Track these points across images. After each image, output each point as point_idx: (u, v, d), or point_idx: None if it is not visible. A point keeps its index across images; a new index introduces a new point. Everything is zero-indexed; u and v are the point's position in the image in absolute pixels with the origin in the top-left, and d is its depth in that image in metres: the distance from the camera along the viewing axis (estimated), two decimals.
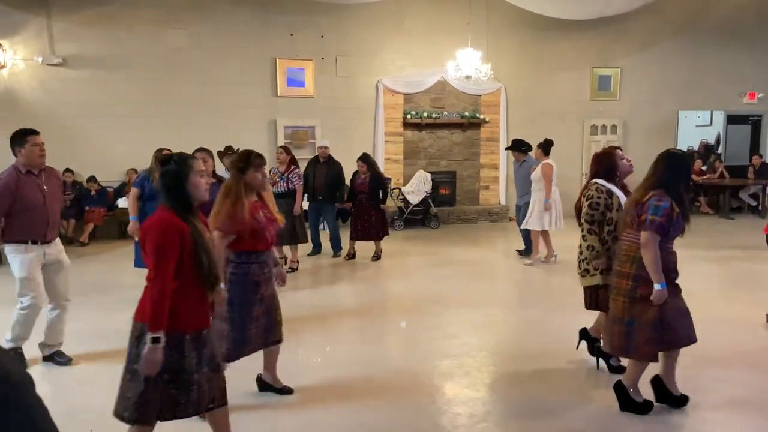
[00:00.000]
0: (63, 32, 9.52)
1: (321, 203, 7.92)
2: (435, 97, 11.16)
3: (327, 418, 3.55)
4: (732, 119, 14.40)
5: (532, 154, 7.98)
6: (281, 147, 7.43)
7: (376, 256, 7.87)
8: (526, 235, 7.95)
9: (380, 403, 3.73)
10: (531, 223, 7.60)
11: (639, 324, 3.37)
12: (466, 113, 11.24)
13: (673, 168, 3.44)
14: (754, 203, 12.39)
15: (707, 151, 14.95)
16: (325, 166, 7.86)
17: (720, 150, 14.82)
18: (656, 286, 3.29)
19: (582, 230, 3.99)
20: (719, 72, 12.24)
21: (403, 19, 10.75)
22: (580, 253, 4.05)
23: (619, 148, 4.24)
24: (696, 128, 15.26)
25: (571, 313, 5.58)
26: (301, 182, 7.28)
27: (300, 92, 10.57)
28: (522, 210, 7.88)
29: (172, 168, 2.63)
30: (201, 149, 5.17)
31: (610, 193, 3.94)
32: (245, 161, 3.43)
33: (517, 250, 8.25)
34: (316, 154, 8.23)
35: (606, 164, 4.04)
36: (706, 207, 12.24)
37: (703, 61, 12.16)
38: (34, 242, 4.11)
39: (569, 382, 4.07)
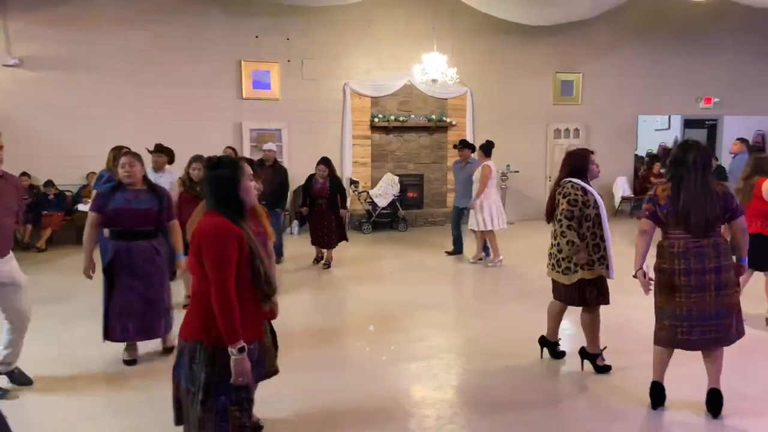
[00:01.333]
0: (19, 32, 9.23)
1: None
2: (402, 100, 11.21)
3: (290, 417, 3.51)
4: (689, 123, 14.89)
5: (474, 155, 8.11)
6: (229, 147, 7.07)
7: (327, 264, 7.63)
8: (458, 236, 8.25)
9: (346, 407, 3.71)
10: (475, 223, 7.72)
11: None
12: (433, 117, 11.32)
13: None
14: None
15: (666, 154, 15.40)
16: (271, 170, 7.50)
17: None
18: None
19: (560, 227, 4.00)
20: (677, 77, 12.62)
21: (369, 23, 10.77)
22: (559, 251, 4.07)
23: (592, 152, 4.28)
24: (655, 132, 15.73)
25: (537, 313, 5.66)
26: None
27: (266, 95, 10.48)
28: (465, 213, 8.02)
29: (224, 172, 2.48)
30: (123, 150, 4.96)
31: (584, 191, 4.02)
32: (240, 168, 3.18)
33: (446, 252, 8.45)
34: (261, 157, 7.79)
35: (579, 164, 4.12)
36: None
37: (662, 67, 12.52)
38: None
39: (537, 382, 4.12)
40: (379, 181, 10.93)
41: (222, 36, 10.14)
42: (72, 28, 9.40)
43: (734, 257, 3.56)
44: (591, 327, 4.18)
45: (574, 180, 4.06)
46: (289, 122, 10.62)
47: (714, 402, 3.53)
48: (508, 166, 11.49)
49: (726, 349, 3.54)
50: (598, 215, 4.03)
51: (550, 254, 4.22)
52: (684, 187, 3.39)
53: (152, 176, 5.92)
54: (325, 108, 10.78)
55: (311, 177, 7.65)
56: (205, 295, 2.38)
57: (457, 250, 8.39)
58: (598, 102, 12.32)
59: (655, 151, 15.68)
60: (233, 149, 7.10)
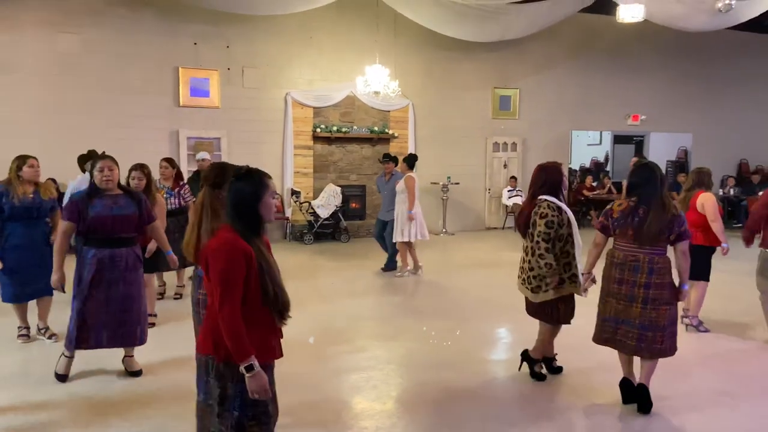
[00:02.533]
0: None
1: None
2: (344, 111, 11.22)
3: None
4: (618, 139, 15.62)
5: (398, 168, 8.17)
6: (165, 160, 6.65)
7: None
8: (393, 249, 7.99)
9: (287, 420, 3.63)
10: (396, 235, 7.72)
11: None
12: (376, 128, 11.39)
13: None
14: None
15: (597, 168, 16.10)
16: None
17: (608, 167, 15.99)
18: None
19: (538, 249, 3.97)
20: (607, 95, 13.23)
21: (311, 33, 10.75)
22: (531, 269, 4.08)
23: (561, 164, 4.33)
24: (587, 147, 16.40)
25: (477, 323, 5.76)
26: (194, 199, 6.52)
27: (204, 102, 10.25)
28: (389, 225, 7.91)
29: (248, 186, 2.37)
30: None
31: (560, 210, 4.03)
32: (222, 175, 2.99)
33: (381, 269, 8.15)
34: (197, 168, 7.42)
35: (555, 179, 4.12)
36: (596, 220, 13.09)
37: (594, 85, 13.10)
38: None
39: (476, 393, 4.17)
40: (321, 192, 10.88)
41: (158, 42, 9.86)
42: None
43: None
44: (549, 337, 4.25)
45: (550, 198, 4.05)
46: (229, 131, 10.43)
47: (642, 397, 3.76)
48: (448, 177, 11.69)
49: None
50: (570, 234, 4.06)
51: (522, 269, 4.22)
52: (647, 202, 3.63)
53: (72, 186, 5.81)
54: (267, 117, 10.65)
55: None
56: (214, 311, 2.32)
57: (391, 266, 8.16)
58: (534, 117, 12.74)
59: (587, 165, 16.37)
60: (169, 160, 6.64)
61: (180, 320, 5.45)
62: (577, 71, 12.91)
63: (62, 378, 4.17)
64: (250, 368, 2.27)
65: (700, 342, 5.26)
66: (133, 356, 4.37)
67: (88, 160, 5.88)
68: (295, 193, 10.67)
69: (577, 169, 15.28)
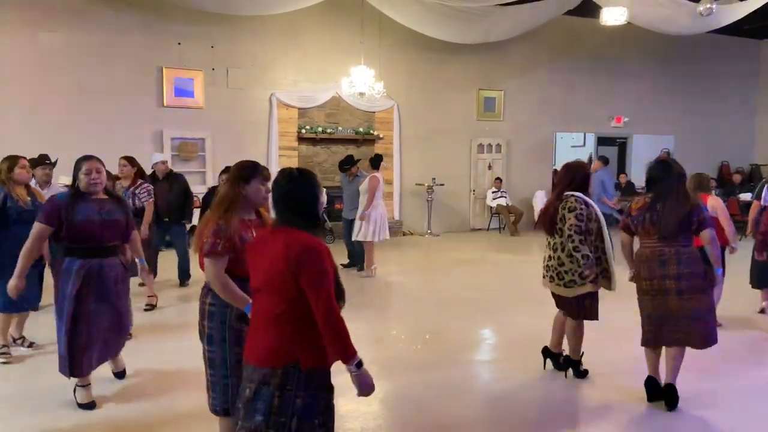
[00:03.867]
0: None
1: (168, 225, 6.89)
2: (330, 112, 11.20)
3: None
4: (602, 141, 15.71)
5: (363, 168, 8.19)
6: (124, 158, 6.21)
7: None
8: (358, 248, 8.05)
9: None
10: (361, 234, 7.73)
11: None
12: (361, 129, 11.38)
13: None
14: (620, 217, 13.54)
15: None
16: (166, 183, 6.87)
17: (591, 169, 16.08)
18: None
19: (572, 242, 3.98)
20: (591, 97, 13.36)
21: (296, 34, 10.72)
22: (561, 264, 4.09)
23: (585, 163, 4.38)
24: (571, 148, 16.48)
25: (460, 324, 5.79)
26: (152, 199, 6.15)
27: (188, 103, 10.18)
28: (352, 224, 7.97)
29: (306, 187, 2.34)
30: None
31: (586, 204, 4.08)
32: (252, 169, 2.85)
33: (341, 264, 8.19)
34: (153, 170, 7.07)
35: (582, 178, 4.18)
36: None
37: (577, 87, 13.21)
38: None
39: (460, 393, 4.18)
40: None
41: (141, 41, 9.76)
42: None
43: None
44: (574, 335, 4.27)
45: (577, 194, 4.11)
46: (213, 131, 10.36)
47: (670, 396, 3.81)
48: (433, 179, 11.72)
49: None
50: (600, 228, 4.11)
51: (548, 266, 4.22)
52: (663, 197, 3.71)
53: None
54: (251, 118, 10.60)
55: (214, 189, 6.90)
56: (297, 316, 2.23)
57: (353, 263, 8.29)
58: (518, 119, 12.82)
59: None
60: (129, 159, 6.25)
61: (157, 333, 5.40)
62: (561, 73, 13.01)
63: (90, 406, 3.77)
64: (359, 365, 2.24)
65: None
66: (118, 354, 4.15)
67: (38, 164, 5.59)
68: None
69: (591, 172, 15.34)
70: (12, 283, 3.65)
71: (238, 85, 10.47)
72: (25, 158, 4.59)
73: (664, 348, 3.88)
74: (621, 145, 15.15)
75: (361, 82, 10.29)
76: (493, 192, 12.49)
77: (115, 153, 6.80)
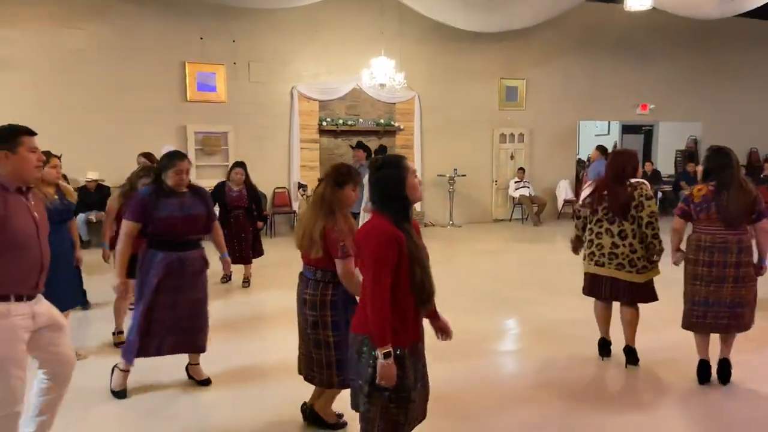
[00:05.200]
0: None
1: None
2: (350, 104, 11.21)
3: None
4: (627, 129, 15.49)
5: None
6: (143, 155, 6.29)
7: (246, 281, 6.86)
8: None
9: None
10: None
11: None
12: (381, 121, 11.37)
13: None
14: None
15: (605, 158, 15.94)
16: None
17: None
18: None
19: (651, 229, 4.04)
20: (615, 84, 13.12)
21: (317, 27, 10.73)
22: (633, 251, 4.09)
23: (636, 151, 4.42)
24: (595, 137, 16.25)
25: (484, 313, 5.77)
26: None
27: (211, 97, 10.28)
28: (357, 216, 7.94)
29: (391, 171, 2.43)
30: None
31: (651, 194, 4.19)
32: (347, 174, 3.10)
33: None
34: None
35: (633, 165, 4.21)
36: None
37: (601, 74, 12.99)
38: (20, 298, 2.64)
39: (485, 383, 4.18)
40: None
41: (165, 37, 9.88)
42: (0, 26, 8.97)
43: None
44: (634, 322, 4.30)
45: (645, 181, 4.22)
46: (236, 125, 10.46)
47: (724, 370, 4.00)
48: (455, 169, 11.67)
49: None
50: None
51: (615, 254, 4.15)
52: (727, 185, 3.79)
53: None
54: (273, 111, 10.67)
55: (222, 185, 6.85)
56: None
57: None
58: (541, 108, 12.66)
59: None
60: (147, 155, 6.29)
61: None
62: (585, 61, 12.81)
63: (121, 394, 3.82)
64: (387, 355, 2.34)
65: None
66: (198, 364, 4.08)
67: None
68: (301, 186, 10.69)
69: (586, 159, 15.17)
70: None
71: (259, 78, 10.54)
72: (57, 156, 4.46)
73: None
74: (647, 133, 14.89)
75: (381, 74, 10.27)
76: (515, 182, 12.39)
77: (139, 149, 6.94)
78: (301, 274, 3.27)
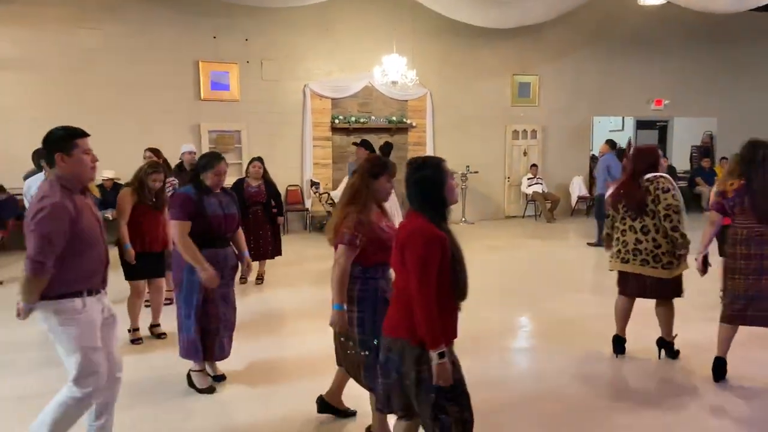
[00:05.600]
0: None
1: None
2: (362, 102, 11.24)
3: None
4: (641, 124, 15.36)
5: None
6: (151, 149, 6.17)
7: (259, 279, 6.89)
8: None
9: (310, 407, 3.72)
10: None
11: None
12: (394, 118, 11.38)
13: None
14: None
15: (619, 154, 15.81)
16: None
17: (631, 153, 15.72)
18: None
19: (670, 222, 4.02)
20: (629, 80, 13.01)
21: (328, 24, 10.76)
22: (657, 246, 4.10)
23: (657, 147, 4.37)
24: (609, 133, 16.14)
25: (496, 309, 5.78)
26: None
27: (224, 96, 10.35)
28: None
29: (430, 173, 2.44)
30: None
31: (674, 186, 4.14)
32: (382, 165, 3.10)
33: None
34: (180, 160, 7.13)
35: (653, 160, 4.21)
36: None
37: (615, 70, 12.89)
38: (90, 293, 2.80)
39: (499, 380, 4.18)
40: (340, 183, 10.92)
41: (178, 36, 9.97)
42: (17, 27, 9.09)
43: None
44: (670, 317, 4.32)
45: (665, 174, 4.17)
46: (249, 123, 10.52)
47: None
48: (467, 166, 11.65)
49: None
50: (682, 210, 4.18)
51: (638, 250, 4.17)
52: (755, 179, 3.80)
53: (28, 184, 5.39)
54: (285, 109, 10.72)
55: (241, 181, 6.80)
56: (408, 294, 2.39)
57: None
58: (554, 104, 12.60)
59: None
60: (154, 151, 6.30)
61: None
62: (598, 56, 12.72)
63: (210, 390, 3.90)
64: (441, 355, 2.33)
65: None
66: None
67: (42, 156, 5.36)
68: (314, 184, 10.75)
69: (598, 155, 15.08)
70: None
71: (272, 77, 10.60)
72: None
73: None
74: (661, 128, 14.76)
75: (393, 71, 10.28)
76: (528, 179, 12.34)
77: (154, 146, 7.01)
78: None
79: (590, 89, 12.77)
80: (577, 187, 12.74)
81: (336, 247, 3.04)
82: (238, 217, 4.00)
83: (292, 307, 6.15)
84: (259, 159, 6.86)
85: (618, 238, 4.31)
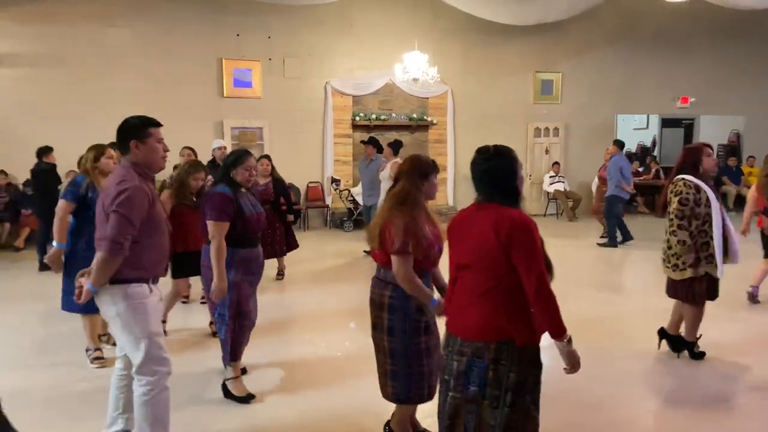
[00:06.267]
0: None
1: None
2: (383, 99, 11.26)
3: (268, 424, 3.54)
4: (666, 122, 15.11)
5: (382, 155, 8.08)
6: (189, 148, 6.25)
7: (280, 274, 6.96)
8: None
9: (327, 404, 3.75)
10: None
11: None
12: (414, 115, 11.38)
13: None
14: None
15: (644, 153, 15.65)
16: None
17: (656, 152, 15.53)
18: None
19: (671, 226, 4.09)
20: (654, 77, 12.81)
21: (350, 22, 10.80)
22: (669, 248, 4.16)
23: (708, 145, 4.30)
24: (633, 131, 15.94)
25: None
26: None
27: (247, 93, 10.46)
28: (373, 210, 7.89)
29: (503, 163, 2.36)
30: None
31: (698, 189, 4.07)
32: (431, 164, 2.94)
33: (364, 251, 8.03)
34: (213, 156, 7.24)
35: (692, 159, 4.16)
36: (643, 207, 12.78)
37: (639, 67, 12.70)
38: (155, 281, 2.88)
39: None
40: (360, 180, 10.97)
41: (202, 34, 10.10)
42: (47, 25, 9.33)
43: None
44: (693, 319, 4.29)
45: (688, 177, 4.11)
46: (271, 120, 10.62)
47: None
48: None
49: None
50: (709, 214, 4.08)
51: (663, 250, 4.25)
52: None
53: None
54: (307, 106, 10.80)
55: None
56: (504, 291, 2.26)
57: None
58: (577, 101, 12.47)
59: (633, 150, 15.93)
60: (191, 149, 6.46)
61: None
62: (622, 53, 12.55)
63: (249, 398, 3.73)
64: (570, 341, 2.27)
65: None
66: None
67: (45, 153, 5.20)
68: (335, 181, 10.81)
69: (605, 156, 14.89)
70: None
71: (294, 74, 10.67)
72: (112, 148, 4.18)
73: None
74: (687, 126, 14.50)
75: (414, 68, 10.28)
76: (550, 176, 12.24)
77: (178, 144, 7.08)
78: (375, 277, 3.07)
79: (614, 86, 12.60)
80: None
81: (379, 256, 2.90)
82: (265, 216, 3.96)
83: (310, 305, 6.19)
84: (267, 156, 6.78)
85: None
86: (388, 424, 3.16)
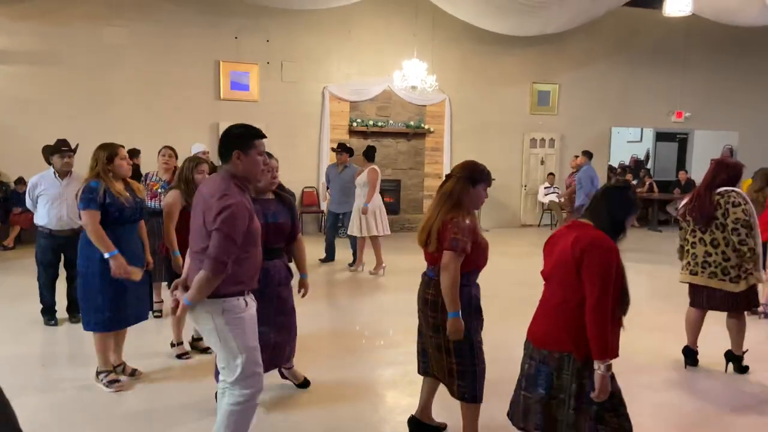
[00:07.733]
0: None
1: None
2: (381, 105, 11.23)
3: (265, 427, 3.48)
4: (661, 136, 15.23)
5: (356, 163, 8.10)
6: (170, 147, 5.62)
7: None
8: (352, 242, 7.93)
9: (323, 413, 3.69)
10: (354, 230, 7.60)
11: None
12: (412, 123, 11.36)
13: None
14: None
15: (637, 166, 15.73)
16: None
17: (649, 165, 15.62)
18: None
19: (738, 236, 4.03)
20: (650, 91, 12.90)
21: (350, 28, 10.78)
22: (726, 260, 4.12)
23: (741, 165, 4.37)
24: (627, 144, 16.04)
25: (513, 319, 5.71)
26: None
27: (244, 96, 10.40)
28: (346, 218, 7.90)
29: (627, 201, 2.47)
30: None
31: (746, 200, 4.14)
32: (483, 173, 3.04)
33: (319, 259, 8.17)
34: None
35: (736, 176, 4.21)
36: (635, 220, 12.81)
37: (636, 81, 12.79)
38: (250, 293, 2.82)
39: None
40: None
41: (200, 35, 10.04)
42: (43, 22, 9.22)
43: None
44: (739, 330, 4.31)
45: (738, 189, 4.16)
46: (268, 124, 10.50)
47: None
48: None
49: None
50: (754, 226, 4.15)
51: (708, 263, 4.20)
52: None
53: (55, 183, 5.04)
54: (304, 111, 10.75)
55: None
56: (573, 306, 2.39)
57: (330, 257, 8.21)
58: (573, 113, 12.51)
59: (627, 163, 16.02)
60: (171, 149, 5.93)
61: None
62: (619, 66, 12.63)
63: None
64: (609, 368, 2.34)
65: None
66: (293, 367, 3.93)
67: (55, 152, 5.09)
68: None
69: (617, 166, 14.96)
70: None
71: (292, 78, 10.62)
72: (123, 147, 3.92)
73: None
74: (681, 141, 14.60)
75: (413, 76, 10.27)
76: (545, 187, 12.27)
77: (174, 145, 7.02)
78: (424, 274, 3.18)
79: (610, 99, 12.67)
80: None
81: (431, 256, 3.00)
82: (290, 227, 3.65)
83: (306, 310, 6.11)
84: (268, 154, 6.59)
85: (688, 251, 4.33)
86: (413, 418, 3.35)
